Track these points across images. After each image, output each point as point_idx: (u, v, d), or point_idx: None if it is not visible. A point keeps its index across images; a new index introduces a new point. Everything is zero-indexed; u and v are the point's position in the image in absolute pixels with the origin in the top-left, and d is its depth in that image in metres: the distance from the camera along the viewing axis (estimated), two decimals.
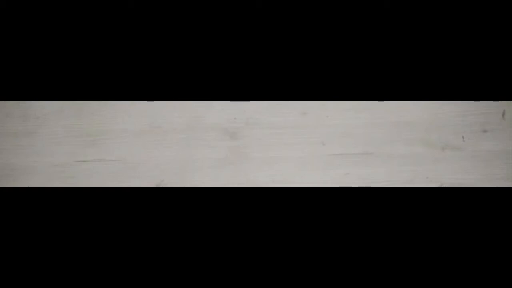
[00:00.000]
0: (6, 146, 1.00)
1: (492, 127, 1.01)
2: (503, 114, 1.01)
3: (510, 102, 1.00)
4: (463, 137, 1.01)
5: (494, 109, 1.01)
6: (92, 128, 1.01)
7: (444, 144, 1.01)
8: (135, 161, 1.01)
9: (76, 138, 1.01)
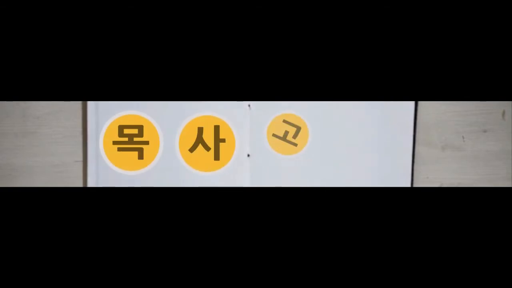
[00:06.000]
0: (6, 146, 0.99)
1: (492, 127, 1.01)
2: (503, 114, 1.01)
3: (510, 102, 1.00)
4: (463, 137, 1.01)
5: (494, 109, 1.01)
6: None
7: (444, 144, 1.01)
8: None
9: (76, 138, 1.01)
